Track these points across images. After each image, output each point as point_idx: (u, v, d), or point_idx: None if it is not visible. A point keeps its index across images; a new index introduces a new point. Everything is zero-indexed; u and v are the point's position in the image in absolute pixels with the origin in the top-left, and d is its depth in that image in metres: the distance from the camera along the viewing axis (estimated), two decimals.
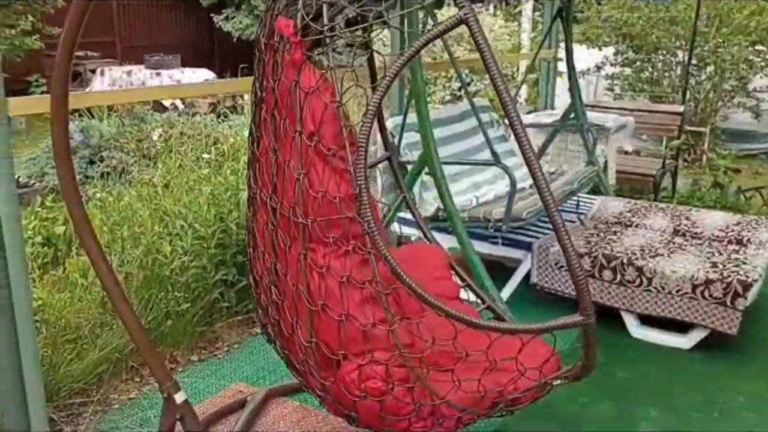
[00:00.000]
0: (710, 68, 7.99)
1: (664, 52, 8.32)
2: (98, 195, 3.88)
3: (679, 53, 8.24)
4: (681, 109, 6.04)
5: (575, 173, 4.40)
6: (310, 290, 1.89)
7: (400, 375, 1.89)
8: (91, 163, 5.12)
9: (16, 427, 2.52)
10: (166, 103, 8.82)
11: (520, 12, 9.76)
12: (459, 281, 2.71)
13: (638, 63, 8.59)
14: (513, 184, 3.50)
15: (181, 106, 6.44)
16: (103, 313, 3.28)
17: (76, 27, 2.12)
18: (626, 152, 6.22)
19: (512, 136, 5.02)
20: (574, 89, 4.92)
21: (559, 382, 2.06)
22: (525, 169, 4.59)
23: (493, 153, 3.55)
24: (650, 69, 8.63)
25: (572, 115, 5.00)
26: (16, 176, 4.98)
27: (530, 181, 4.20)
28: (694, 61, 7.24)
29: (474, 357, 1.92)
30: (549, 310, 3.96)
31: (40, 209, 3.97)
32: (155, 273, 3.44)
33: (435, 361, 1.96)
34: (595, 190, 5.22)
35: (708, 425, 2.92)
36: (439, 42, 9.63)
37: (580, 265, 1.65)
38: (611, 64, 8.62)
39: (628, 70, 8.71)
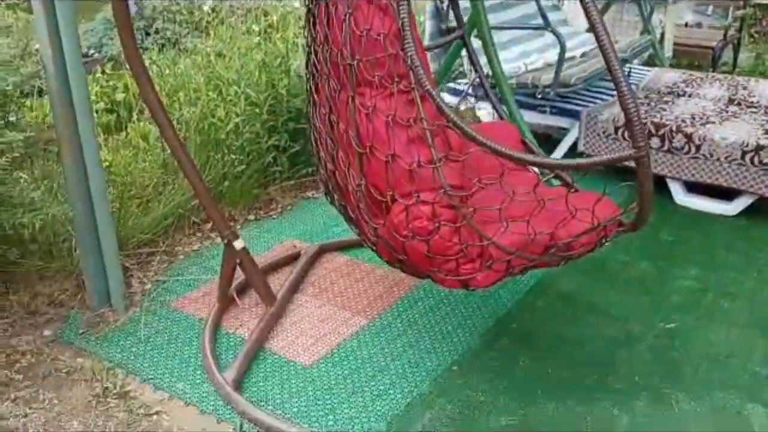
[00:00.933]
0: None
1: None
2: (155, 62, 3.99)
3: None
4: None
5: (628, 43, 4.30)
6: (359, 133, 1.97)
7: (446, 215, 1.94)
8: (146, 34, 5.22)
9: (94, 271, 2.77)
10: None
11: None
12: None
13: None
14: (563, 49, 3.46)
15: None
16: (165, 173, 3.47)
17: None
18: (686, 24, 5.98)
19: (565, 5, 4.88)
20: None
21: (613, 230, 2.00)
22: (577, 39, 4.52)
23: (544, 17, 3.49)
24: None
25: None
26: None
27: (581, 50, 4.16)
28: None
29: (522, 198, 1.92)
30: (595, 179, 4.01)
31: (101, 77, 4.11)
32: (211, 137, 3.58)
33: (483, 202, 2.01)
34: (651, 62, 5.10)
35: (745, 284, 3.00)
36: None
37: (633, 95, 1.62)
38: None
39: None
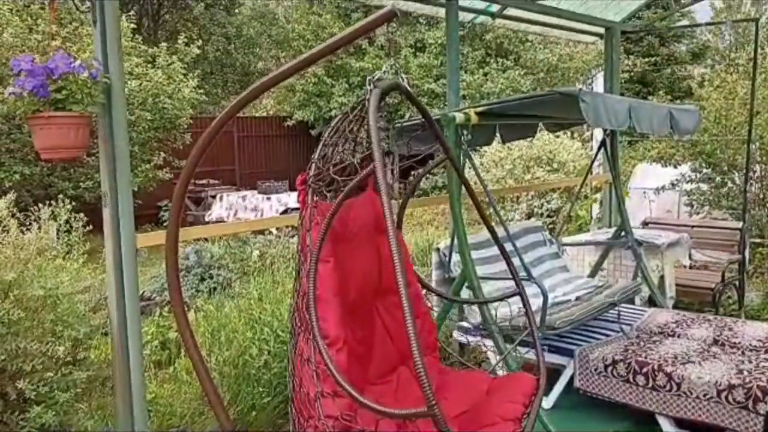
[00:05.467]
0: None
1: (739, 167, 8.58)
2: (204, 306, 4.72)
3: (758, 168, 8.48)
4: (740, 225, 6.32)
5: (619, 287, 4.83)
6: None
7: None
8: (202, 279, 6.06)
9: None
10: (273, 229, 9.94)
11: (591, 135, 10.36)
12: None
13: (717, 178, 8.86)
14: (545, 297, 4.00)
15: (275, 231, 7.43)
16: (201, 404, 4.00)
17: (186, 180, 2.94)
18: (691, 267, 6.50)
19: (565, 253, 5.55)
20: (621, 210, 5.41)
21: None
22: (573, 284, 5.08)
23: (526, 269, 4.09)
24: (729, 184, 8.87)
25: (622, 234, 5.46)
26: (142, 291, 5.96)
27: (575, 294, 4.70)
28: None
29: None
30: (590, 411, 4.34)
31: (158, 318, 4.84)
32: (245, 371, 4.15)
33: None
34: (652, 302, 5.57)
35: None
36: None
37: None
38: (686, 181, 8.94)
39: (704, 186, 8.98)
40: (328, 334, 2.50)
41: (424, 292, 3.41)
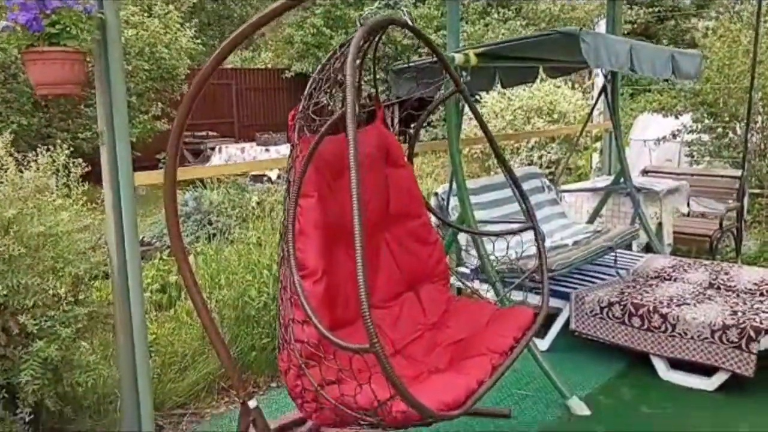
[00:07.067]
0: None
1: (741, 118, 8.52)
2: (203, 250, 4.74)
3: (759, 119, 8.43)
4: (738, 173, 6.31)
5: (617, 232, 4.85)
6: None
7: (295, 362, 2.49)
8: (202, 225, 6.08)
9: (131, 427, 3.28)
10: (273, 176, 9.92)
11: (592, 85, 10.27)
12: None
13: (718, 129, 8.81)
14: (542, 239, 4.01)
15: (274, 177, 7.41)
16: (202, 344, 4.05)
17: (182, 120, 2.93)
18: (688, 214, 6.50)
19: (563, 199, 5.56)
20: (621, 157, 5.40)
21: None
22: (571, 229, 5.10)
23: (524, 212, 4.08)
24: (730, 135, 8.83)
25: (621, 180, 5.46)
26: (142, 236, 5.98)
27: (572, 239, 4.72)
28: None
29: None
30: (585, 353, 4.40)
31: (158, 262, 4.87)
32: (245, 313, 4.19)
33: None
34: (649, 249, 5.61)
35: None
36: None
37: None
38: (688, 132, 8.89)
39: (706, 137, 8.94)
40: (306, 265, 2.56)
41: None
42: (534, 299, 4.70)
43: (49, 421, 3.28)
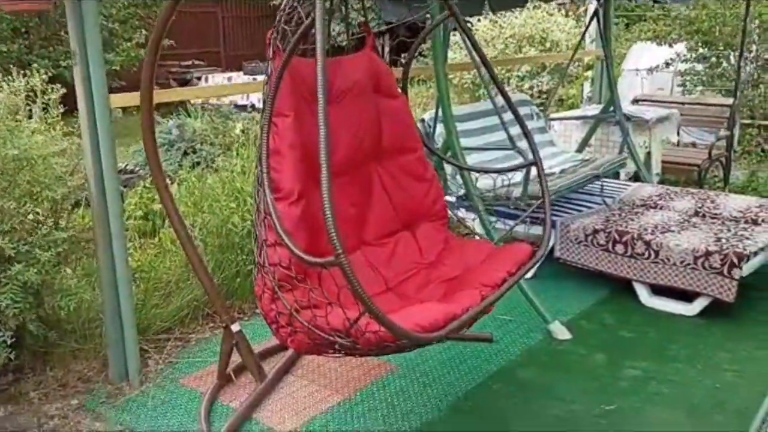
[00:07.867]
0: None
1: (735, 47, 8.39)
2: (185, 180, 4.69)
3: (754, 47, 8.30)
4: (730, 101, 6.24)
5: (604, 160, 4.81)
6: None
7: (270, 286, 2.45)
8: (185, 154, 6.00)
9: (117, 352, 3.30)
10: (257, 102, 9.77)
11: (586, 12, 10.04)
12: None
13: (713, 58, 8.68)
14: (528, 165, 3.97)
15: (258, 104, 7.29)
16: (186, 271, 4.04)
17: (158, 38, 2.84)
18: (678, 144, 6.47)
19: (552, 128, 5.51)
20: (612, 85, 5.31)
21: None
22: (559, 158, 5.06)
23: (510, 139, 4.04)
24: (724, 64, 8.70)
25: (611, 108, 5.39)
26: (126, 164, 5.91)
27: (560, 168, 4.68)
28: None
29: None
30: (569, 280, 4.43)
31: (142, 190, 4.81)
32: (229, 240, 4.17)
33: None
34: (637, 178, 5.59)
35: (688, 374, 3.33)
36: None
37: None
38: (681, 61, 8.75)
39: (699, 66, 8.81)
40: (281, 186, 2.50)
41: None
42: (520, 228, 4.72)
43: (33, 344, 3.29)
